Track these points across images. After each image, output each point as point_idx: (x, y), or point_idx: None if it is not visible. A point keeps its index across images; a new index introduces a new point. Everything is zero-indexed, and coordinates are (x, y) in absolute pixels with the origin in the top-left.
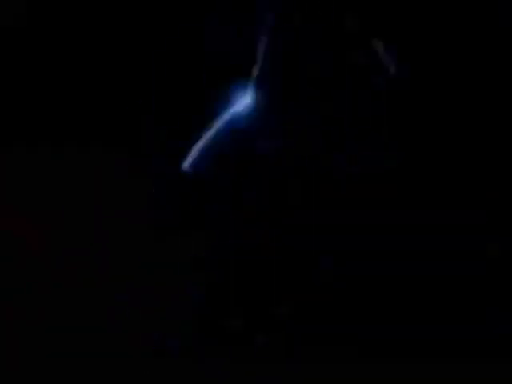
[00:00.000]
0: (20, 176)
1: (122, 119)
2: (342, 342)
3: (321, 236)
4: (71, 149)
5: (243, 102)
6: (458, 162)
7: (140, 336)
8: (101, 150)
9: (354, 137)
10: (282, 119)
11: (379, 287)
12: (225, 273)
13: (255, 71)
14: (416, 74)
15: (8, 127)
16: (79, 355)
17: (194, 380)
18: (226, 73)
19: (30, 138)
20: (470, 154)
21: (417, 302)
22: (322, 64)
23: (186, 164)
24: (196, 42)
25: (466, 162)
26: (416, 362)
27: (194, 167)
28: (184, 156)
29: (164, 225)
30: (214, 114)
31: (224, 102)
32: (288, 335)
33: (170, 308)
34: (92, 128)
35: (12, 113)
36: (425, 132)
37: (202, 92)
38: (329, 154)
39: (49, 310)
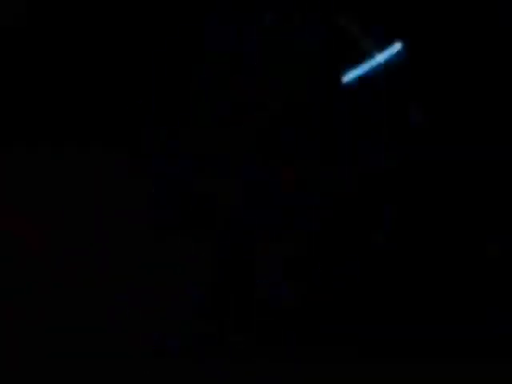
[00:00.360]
0: (20, 176)
1: (121, 119)
2: (342, 341)
3: (320, 235)
4: (71, 149)
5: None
6: (457, 162)
7: (140, 336)
8: (101, 149)
9: (354, 137)
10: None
11: (379, 287)
12: (225, 273)
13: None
14: (416, 73)
15: (8, 127)
16: (79, 355)
17: (194, 380)
18: (226, 72)
19: (30, 138)
20: (471, 153)
21: (417, 302)
22: (322, 64)
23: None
24: (196, 42)
25: (466, 161)
26: (416, 362)
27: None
28: (183, 156)
29: (164, 225)
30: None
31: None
32: (288, 335)
33: (170, 308)
34: (92, 128)
35: (12, 113)
36: (425, 132)
37: (202, 92)
38: (329, 154)
39: (49, 309)
